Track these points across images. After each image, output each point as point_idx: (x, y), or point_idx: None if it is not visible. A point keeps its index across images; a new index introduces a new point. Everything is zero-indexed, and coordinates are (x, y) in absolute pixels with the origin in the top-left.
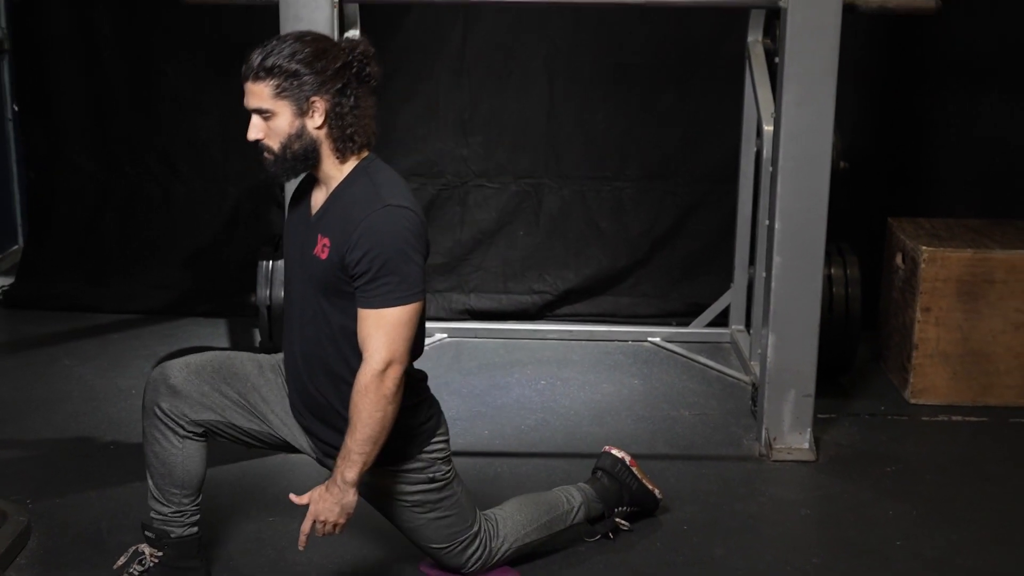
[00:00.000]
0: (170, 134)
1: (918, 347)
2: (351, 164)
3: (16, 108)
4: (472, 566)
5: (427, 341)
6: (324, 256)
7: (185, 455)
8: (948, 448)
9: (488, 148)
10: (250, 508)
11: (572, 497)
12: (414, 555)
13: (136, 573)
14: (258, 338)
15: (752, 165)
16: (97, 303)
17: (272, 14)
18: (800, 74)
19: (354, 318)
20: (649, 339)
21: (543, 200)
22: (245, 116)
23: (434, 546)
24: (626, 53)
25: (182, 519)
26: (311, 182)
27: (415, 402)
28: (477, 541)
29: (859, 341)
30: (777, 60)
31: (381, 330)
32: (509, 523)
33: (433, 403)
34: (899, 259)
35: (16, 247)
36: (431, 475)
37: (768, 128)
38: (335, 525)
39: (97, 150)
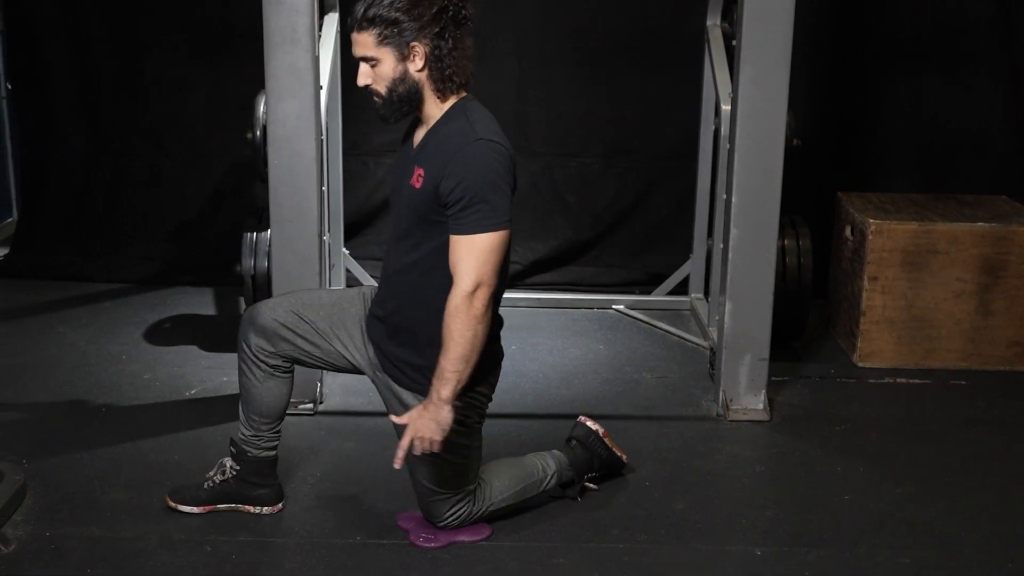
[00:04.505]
0: (156, 112)
1: (865, 314)
2: (450, 103)
3: (9, 87)
4: (450, 520)
5: None
6: (419, 185)
7: (264, 389)
8: (893, 408)
9: None
10: None
11: (547, 466)
12: (392, 509)
13: (217, 481)
14: (243, 306)
15: (710, 142)
16: (88, 273)
17: None
18: (756, 56)
19: (441, 246)
20: (613, 307)
21: None
22: (229, 96)
23: (431, 487)
24: (591, 36)
25: (259, 443)
26: (415, 122)
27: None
28: (465, 500)
29: (810, 308)
30: (734, 43)
31: (471, 254)
32: (488, 490)
33: (497, 354)
34: (848, 231)
35: (10, 219)
36: (462, 417)
37: (726, 108)
38: (432, 441)
39: (87, 128)
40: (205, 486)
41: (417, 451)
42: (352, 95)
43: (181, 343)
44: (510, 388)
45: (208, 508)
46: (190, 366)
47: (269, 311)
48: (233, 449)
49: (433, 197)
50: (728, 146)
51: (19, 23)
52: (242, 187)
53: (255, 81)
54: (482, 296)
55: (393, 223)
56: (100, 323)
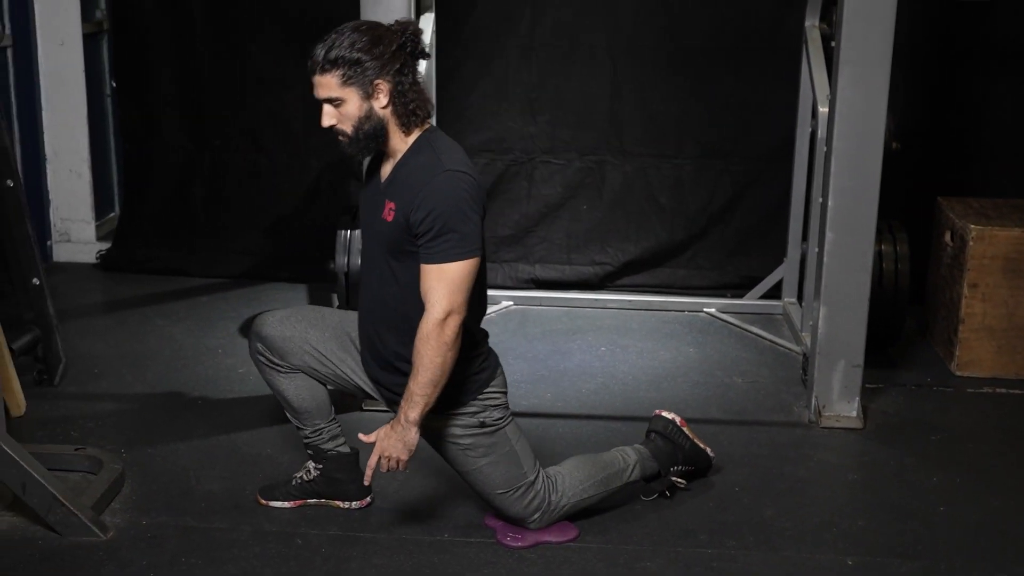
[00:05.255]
0: (255, 109)
1: (964, 321)
2: (415, 135)
3: (114, 84)
4: (533, 517)
5: (494, 308)
6: (390, 219)
7: (293, 387)
8: (992, 419)
9: (554, 126)
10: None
11: (627, 456)
12: (480, 507)
13: (300, 481)
14: (336, 303)
15: (807, 145)
16: (186, 268)
17: None
18: (855, 58)
19: (416, 276)
20: (705, 310)
21: (606, 176)
22: None
23: (495, 491)
24: (687, 36)
25: (322, 436)
26: (380, 156)
27: (472, 355)
28: (533, 491)
29: (907, 315)
30: (833, 44)
31: (442, 283)
32: (568, 479)
33: (490, 357)
34: (948, 237)
35: (113, 214)
36: (481, 420)
37: (823, 110)
38: (398, 461)
39: (188, 124)
40: (293, 483)
41: (383, 469)
42: (445, 93)
43: None
44: (599, 389)
45: (298, 503)
46: None
47: (276, 324)
48: (309, 451)
49: (405, 229)
50: (825, 149)
51: (124, 22)
52: (338, 185)
53: None
54: (452, 324)
55: (365, 258)
56: (197, 317)
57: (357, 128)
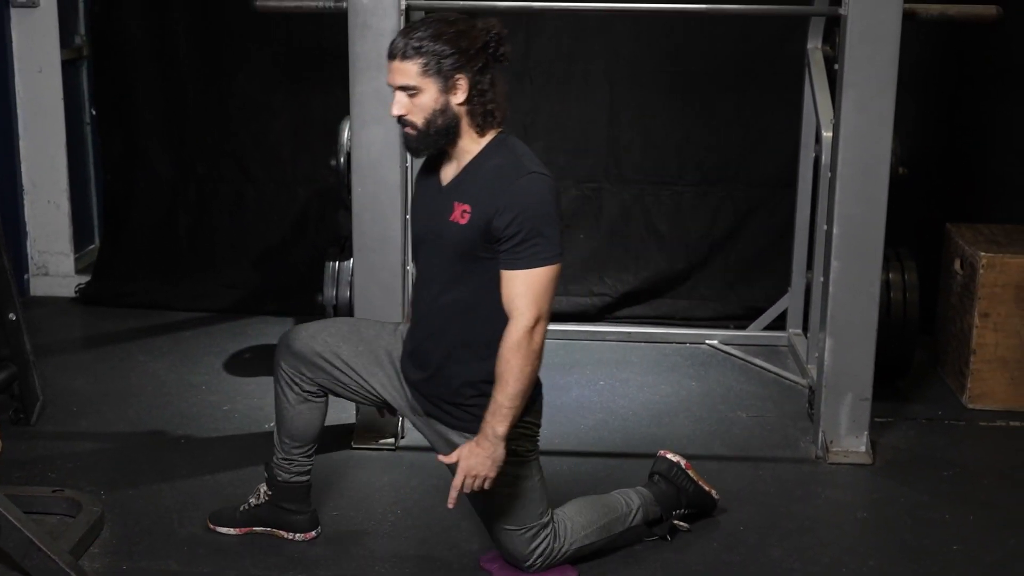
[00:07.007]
0: (241, 137)
1: (976, 352)
2: (488, 138)
3: (94, 112)
4: (535, 560)
5: None
6: (464, 221)
7: (296, 412)
8: (1006, 453)
9: (550, 152)
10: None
11: (631, 500)
12: (476, 549)
13: (251, 505)
14: None
15: (810, 170)
16: (169, 301)
17: (341, 20)
18: (860, 81)
19: (486, 284)
20: (707, 342)
21: (603, 204)
22: (314, 121)
23: (505, 527)
24: (686, 60)
25: (289, 467)
26: (438, 156)
27: None
28: (544, 535)
29: (916, 346)
30: (837, 67)
31: (530, 289)
32: (569, 525)
33: (539, 382)
34: (957, 265)
35: (93, 246)
36: (513, 447)
37: (827, 134)
38: (485, 478)
39: (171, 153)
40: (241, 508)
41: (467, 489)
42: None
43: (261, 374)
44: (598, 425)
45: (245, 530)
46: (270, 398)
47: (307, 338)
48: (266, 474)
49: (483, 233)
50: (829, 174)
51: (105, 47)
52: (326, 214)
53: (342, 106)
54: (541, 330)
55: (423, 262)
56: (180, 352)
57: (430, 121)
